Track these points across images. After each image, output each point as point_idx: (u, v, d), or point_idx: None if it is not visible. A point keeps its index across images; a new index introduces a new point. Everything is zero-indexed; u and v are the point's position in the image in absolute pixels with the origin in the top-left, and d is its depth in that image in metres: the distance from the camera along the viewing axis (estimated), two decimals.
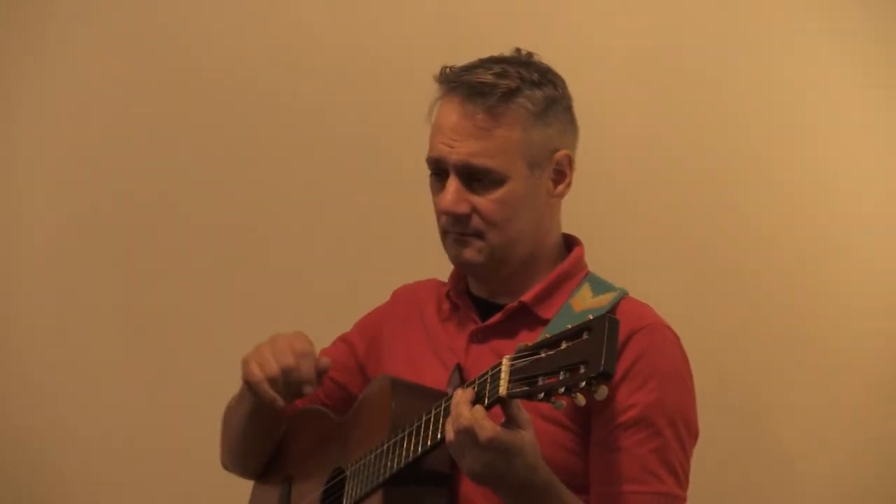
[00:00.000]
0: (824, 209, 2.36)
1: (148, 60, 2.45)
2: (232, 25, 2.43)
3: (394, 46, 2.26)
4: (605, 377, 1.34)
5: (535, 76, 1.63)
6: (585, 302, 1.62)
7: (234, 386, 1.81)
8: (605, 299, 1.62)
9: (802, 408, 2.37)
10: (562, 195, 1.68)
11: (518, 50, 1.68)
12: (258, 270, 2.41)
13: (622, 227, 2.37)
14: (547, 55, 2.24)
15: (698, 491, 2.29)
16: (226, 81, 2.39)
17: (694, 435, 1.62)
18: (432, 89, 1.69)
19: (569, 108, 1.67)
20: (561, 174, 1.67)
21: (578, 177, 2.26)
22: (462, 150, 1.61)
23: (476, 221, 1.63)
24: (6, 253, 2.54)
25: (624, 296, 1.65)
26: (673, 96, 2.35)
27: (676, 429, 1.57)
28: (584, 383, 1.34)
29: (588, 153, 2.25)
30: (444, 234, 1.67)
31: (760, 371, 2.38)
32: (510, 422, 1.43)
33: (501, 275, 1.68)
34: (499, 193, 1.61)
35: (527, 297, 1.65)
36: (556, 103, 1.64)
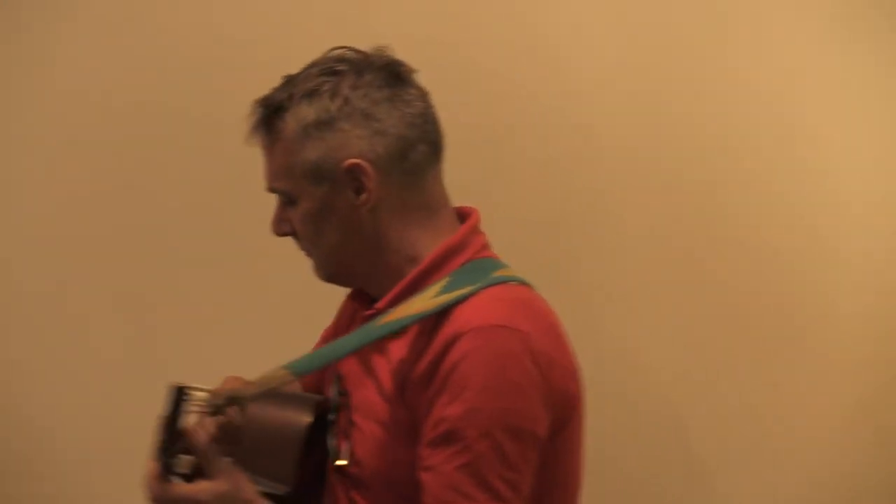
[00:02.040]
0: (817, 210, 2.37)
1: (147, 51, 2.45)
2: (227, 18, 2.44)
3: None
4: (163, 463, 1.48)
5: (311, 85, 1.54)
6: (414, 306, 1.52)
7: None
8: (442, 300, 1.50)
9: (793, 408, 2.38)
10: (367, 203, 1.55)
11: (332, 50, 1.60)
12: (261, 269, 2.43)
13: (606, 228, 2.35)
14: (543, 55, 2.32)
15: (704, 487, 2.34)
16: (230, 74, 2.38)
17: (525, 440, 1.47)
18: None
19: (354, 113, 1.54)
20: (358, 183, 1.54)
21: (567, 181, 2.29)
22: (265, 172, 1.60)
23: (300, 240, 1.62)
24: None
25: (475, 293, 1.51)
26: (667, 94, 2.35)
27: (493, 439, 1.43)
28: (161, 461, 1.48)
29: (584, 154, 2.32)
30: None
31: (749, 372, 2.38)
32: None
33: (357, 282, 1.65)
34: (298, 212, 1.58)
35: (381, 304, 1.58)
36: (331, 113, 1.54)
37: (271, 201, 1.63)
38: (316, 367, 1.58)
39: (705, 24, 2.33)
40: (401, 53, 1.59)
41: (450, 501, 1.44)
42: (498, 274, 1.56)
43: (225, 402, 1.51)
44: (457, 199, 1.67)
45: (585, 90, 2.29)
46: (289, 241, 1.65)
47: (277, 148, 1.57)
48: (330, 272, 1.63)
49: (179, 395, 1.47)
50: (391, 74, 1.57)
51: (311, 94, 1.55)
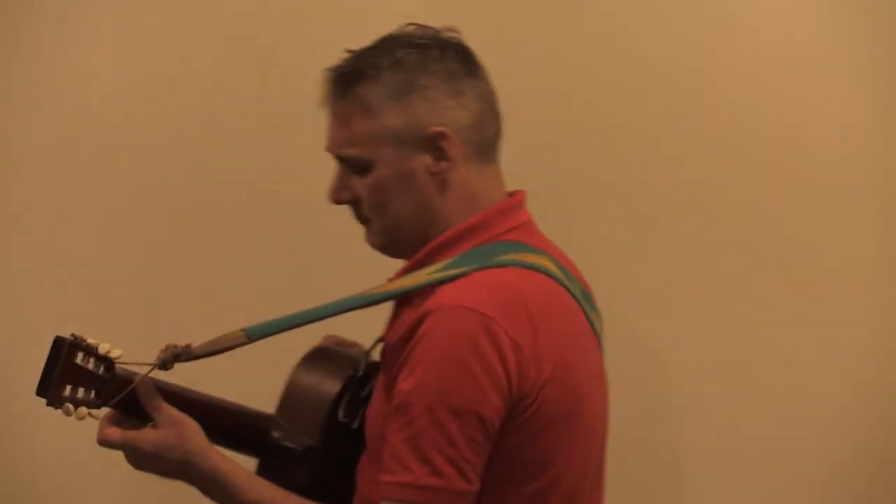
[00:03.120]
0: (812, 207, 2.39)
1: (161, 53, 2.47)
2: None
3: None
4: (47, 400, 1.50)
5: (394, 57, 1.58)
6: (408, 280, 1.59)
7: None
8: (433, 277, 1.55)
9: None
10: (445, 171, 1.59)
11: (409, 25, 1.63)
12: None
13: (606, 218, 2.36)
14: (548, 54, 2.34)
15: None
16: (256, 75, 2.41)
17: (468, 420, 1.48)
18: None
19: (441, 84, 1.58)
20: (439, 150, 1.59)
21: (571, 169, 2.32)
22: (331, 142, 1.62)
23: (362, 207, 1.63)
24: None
25: (466, 274, 1.54)
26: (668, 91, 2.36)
27: (435, 415, 1.46)
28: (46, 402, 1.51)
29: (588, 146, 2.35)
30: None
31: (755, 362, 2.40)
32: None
33: (406, 253, 1.65)
34: (370, 179, 1.60)
35: (394, 275, 1.65)
36: (417, 83, 1.57)
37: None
38: (273, 332, 1.60)
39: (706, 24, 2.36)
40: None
41: (393, 472, 1.48)
42: (505, 258, 1.58)
43: (172, 358, 1.55)
44: None
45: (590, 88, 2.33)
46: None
47: (356, 115, 1.59)
48: (387, 241, 1.65)
49: (64, 347, 1.52)
50: (465, 53, 1.62)
51: (396, 64, 1.58)
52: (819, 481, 2.34)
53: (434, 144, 1.59)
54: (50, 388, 1.50)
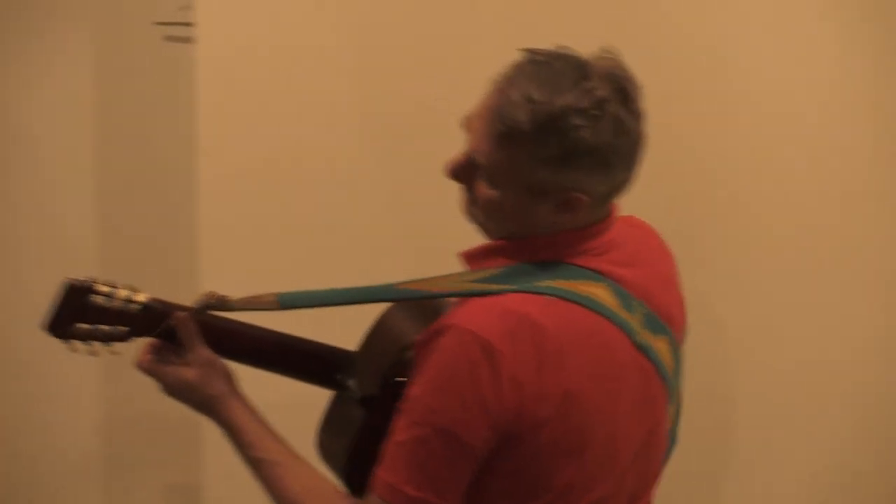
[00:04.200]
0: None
1: None
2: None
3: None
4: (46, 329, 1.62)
5: (576, 121, 1.52)
6: (446, 283, 1.62)
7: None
8: (469, 287, 1.59)
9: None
10: (562, 221, 1.60)
11: (603, 59, 1.57)
12: None
13: None
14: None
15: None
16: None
17: (451, 444, 1.52)
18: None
19: (599, 159, 1.54)
20: (568, 208, 1.59)
21: None
22: (474, 140, 1.60)
23: (473, 196, 1.63)
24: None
25: (497, 293, 1.56)
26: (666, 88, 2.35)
27: (424, 430, 1.52)
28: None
29: None
30: None
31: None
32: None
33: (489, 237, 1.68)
34: (490, 194, 1.60)
35: (463, 252, 1.68)
36: (582, 153, 1.54)
37: None
38: (304, 305, 1.68)
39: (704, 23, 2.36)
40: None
41: (383, 465, 1.55)
42: (548, 283, 1.58)
43: (206, 306, 1.68)
44: None
45: None
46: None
47: (512, 151, 1.55)
48: (482, 227, 1.66)
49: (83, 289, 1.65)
50: (632, 103, 1.57)
51: (566, 133, 1.52)
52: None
53: (566, 205, 1.58)
54: (59, 325, 1.63)
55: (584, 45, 1.59)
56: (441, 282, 1.62)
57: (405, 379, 1.59)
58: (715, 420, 2.45)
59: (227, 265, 2.50)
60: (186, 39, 2.67)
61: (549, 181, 1.56)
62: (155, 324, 1.66)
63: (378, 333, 1.75)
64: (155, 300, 1.68)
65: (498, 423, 1.52)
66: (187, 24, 2.61)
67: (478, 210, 1.64)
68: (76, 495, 3.06)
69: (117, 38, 2.95)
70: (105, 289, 1.65)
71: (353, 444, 1.67)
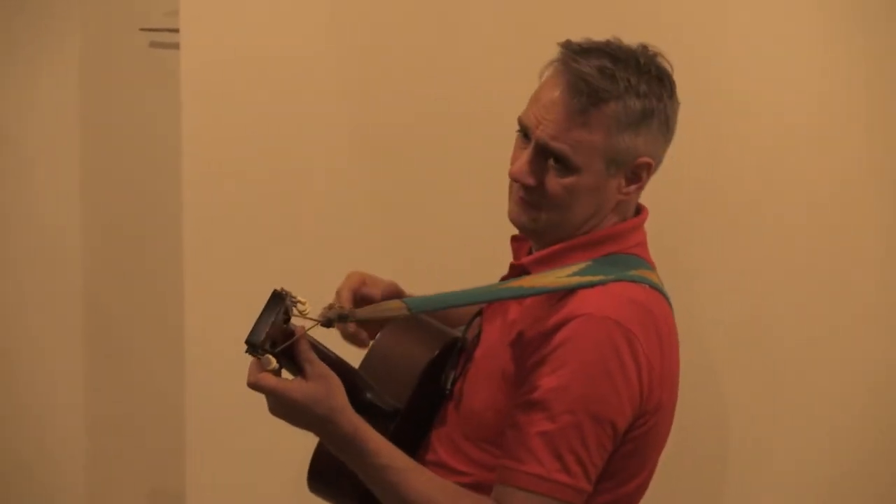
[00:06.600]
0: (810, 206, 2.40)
1: None
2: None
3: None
4: (250, 346, 1.49)
5: (643, 87, 1.64)
6: (547, 279, 1.65)
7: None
8: (573, 281, 1.63)
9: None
10: (630, 194, 1.69)
11: (645, 48, 1.68)
12: None
13: None
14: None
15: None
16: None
17: (604, 428, 1.58)
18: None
19: (667, 120, 1.67)
20: (636, 176, 1.68)
21: None
22: (547, 130, 1.64)
23: (540, 195, 1.67)
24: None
25: (604, 283, 1.63)
26: None
27: (575, 418, 1.56)
28: (247, 348, 1.50)
29: None
30: (511, 186, 1.71)
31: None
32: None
33: (544, 242, 1.72)
34: (568, 181, 1.65)
35: (527, 259, 1.71)
36: (652, 116, 1.65)
37: None
38: (431, 309, 1.71)
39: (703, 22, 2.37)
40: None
41: (522, 460, 1.57)
42: (634, 272, 1.67)
43: (336, 318, 1.59)
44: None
45: None
46: None
47: (592, 125, 1.63)
48: (547, 230, 1.70)
49: (282, 300, 1.54)
50: (672, 82, 1.69)
51: (642, 92, 1.63)
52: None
53: (636, 172, 1.67)
54: (262, 338, 1.51)
55: None
56: (541, 280, 1.65)
57: (436, 389, 1.71)
58: (715, 420, 2.46)
59: (211, 268, 2.51)
60: (172, 45, 2.69)
61: (627, 148, 1.64)
62: (284, 340, 1.57)
63: (387, 354, 1.77)
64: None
65: (637, 405, 1.60)
66: (173, 31, 2.64)
67: (544, 208, 1.67)
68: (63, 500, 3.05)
69: (104, 44, 2.96)
70: (293, 299, 1.56)
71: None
